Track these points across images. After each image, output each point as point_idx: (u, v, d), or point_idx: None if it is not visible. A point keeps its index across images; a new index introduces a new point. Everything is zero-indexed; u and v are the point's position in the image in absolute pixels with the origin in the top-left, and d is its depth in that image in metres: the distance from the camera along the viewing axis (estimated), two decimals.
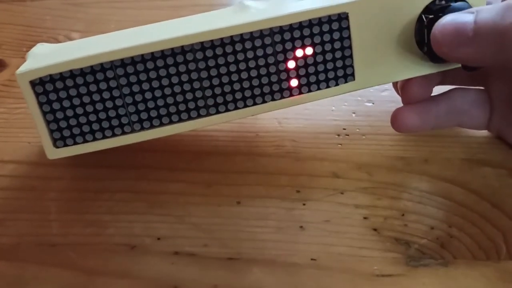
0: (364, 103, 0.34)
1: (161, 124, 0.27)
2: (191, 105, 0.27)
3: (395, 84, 0.31)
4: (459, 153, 0.31)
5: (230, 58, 0.26)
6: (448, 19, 0.25)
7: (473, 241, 0.26)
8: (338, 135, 0.32)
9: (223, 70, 0.26)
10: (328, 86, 0.27)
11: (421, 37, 0.26)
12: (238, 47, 0.26)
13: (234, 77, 0.26)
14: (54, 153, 0.27)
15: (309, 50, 0.26)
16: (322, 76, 0.27)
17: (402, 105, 0.29)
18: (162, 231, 0.27)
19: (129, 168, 0.30)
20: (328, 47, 0.26)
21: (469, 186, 0.29)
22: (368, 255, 0.26)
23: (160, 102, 0.26)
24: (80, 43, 0.30)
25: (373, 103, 0.34)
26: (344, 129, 0.32)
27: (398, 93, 0.31)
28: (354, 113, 0.33)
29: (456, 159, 0.30)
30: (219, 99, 0.27)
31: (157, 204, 0.28)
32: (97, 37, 0.30)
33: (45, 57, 0.27)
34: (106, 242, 0.27)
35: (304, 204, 0.28)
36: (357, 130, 0.32)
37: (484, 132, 0.31)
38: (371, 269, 0.26)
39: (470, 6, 0.26)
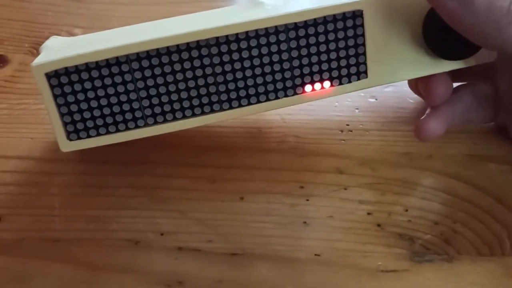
0: (367, 99, 0.34)
1: (175, 119, 0.27)
2: (205, 100, 0.26)
3: (413, 86, 0.31)
4: (463, 149, 0.31)
5: (245, 54, 0.26)
6: None
7: (477, 236, 0.26)
8: (342, 131, 0.32)
9: (237, 65, 0.26)
10: (341, 83, 0.27)
11: (429, 33, 0.26)
12: (253, 43, 0.26)
13: (248, 72, 0.26)
14: (67, 146, 0.27)
15: (323, 47, 0.26)
16: (335, 73, 0.27)
17: (405, 101, 0.29)
18: (165, 226, 0.27)
19: (132, 163, 0.30)
20: (342, 44, 0.26)
21: (473, 181, 0.29)
22: (372, 250, 0.26)
23: (174, 97, 0.26)
24: (94, 36, 0.30)
25: (376, 99, 0.34)
26: (348, 125, 0.32)
27: (418, 95, 0.31)
28: (357, 109, 0.33)
29: (460, 155, 0.30)
30: (233, 94, 0.27)
31: (160, 199, 0.28)
32: (111, 31, 0.30)
33: (60, 50, 0.27)
34: (109, 238, 0.27)
35: (307, 200, 0.28)
36: (361, 126, 0.32)
37: (488, 128, 0.31)
38: (375, 265, 0.26)
39: None
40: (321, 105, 0.33)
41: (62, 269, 0.25)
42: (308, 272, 0.25)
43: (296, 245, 0.26)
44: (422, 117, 0.29)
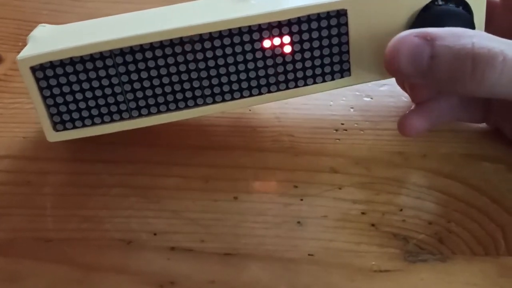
0: (362, 98, 0.34)
1: (159, 112, 0.27)
2: (189, 94, 0.27)
3: (400, 83, 0.31)
4: (458, 148, 0.30)
5: (228, 50, 0.26)
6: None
7: (471, 236, 0.26)
8: (336, 130, 0.32)
9: (220, 61, 0.26)
10: (324, 81, 0.28)
11: None
12: (236, 39, 0.26)
13: (231, 68, 0.26)
14: (54, 136, 0.27)
15: (306, 45, 0.27)
16: (318, 71, 0.27)
17: (400, 100, 0.29)
18: (158, 226, 0.27)
19: (125, 163, 0.30)
20: (325, 42, 0.27)
21: (468, 181, 0.29)
22: (366, 250, 0.26)
23: (158, 91, 0.27)
24: (81, 26, 0.30)
25: (371, 98, 0.34)
26: (342, 124, 0.32)
27: (405, 91, 0.31)
28: (352, 108, 0.33)
29: (454, 154, 0.30)
30: (216, 89, 0.27)
31: (153, 199, 0.28)
32: (97, 20, 0.30)
33: (46, 41, 0.27)
34: (102, 238, 0.27)
35: (301, 200, 0.28)
36: (355, 125, 0.32)
37: (482, 127, 0.31)
38: (369, 265, 0.25)
39: (468, 12, 0.26)
40: (316, 104, 0.33)
41: (55, 269, 0.25)
42: (301, 272, 0.25)
43: (290, 245, 0.26)
44: (406, 113, 0.29)
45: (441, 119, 0.29)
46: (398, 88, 0.33)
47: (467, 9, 0.26)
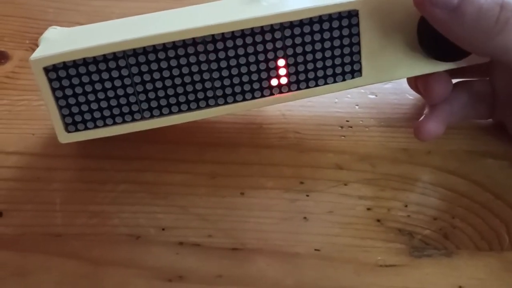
0: (367, 95, 0.34)
1: (170, 113, 0.27)
2: (200, 95, 0.27)
3: (412, 85, 0.31)
4: (462, 145, 0.31)
5: (240, 51, 0.26)
6: None
7: (476, 231, 0.27)
8: (342, 127, 0.32)
9: (232, 62, 0.26)
10: (335, 81, 0.27)
11: (423, 36, 0.26)
12: (248, 40, 0.26)
13: (243, 69, 0.26)
14: (66, 138, 0.27)
15: (318, 45, 0.26)
16: (329, 71, 0.27)
17: (404, 98, 0.29)
18: (166, 221, 0.27)
19: (133, 159, 0.30)
20: (337, 43, 0.27)
21: (472, 177, 0.29)
22: (372, 245, 0.26)
23: (170, 92, 0.27)
24: (93, 28, 0.30)
25: (376, 96, 0.34)
26: (348, 121, 0.32)
27: (418, 93, 0.31)
28: (357, 105, 0.33)
29: (459, 151, 0.30)
30: (228, 90, 0.27)
31: (161, 195, 0.28)
32: (109, 22, 0.30)
33: (58, 43, 0.27)
34: (110, 233, 0.27)
35: (307, 195, 0.28)
36: (361, 122, 0.32)
37: (486, 124, 0.31)
38: (375, 260, 0.26)
39: None
40: (321, 101, 0.33)
41: (63, 264, 0.26)
42: (307, 267, 0.25)
43: (296, 240, 0.27)
44: (421, 118, 0.29)
45: (453, 120, 0.30)
46: (403, 86, 0.33)
47: None
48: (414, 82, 0.31)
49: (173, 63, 0.26)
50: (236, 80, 0.27)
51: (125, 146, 0.30)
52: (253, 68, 0.26)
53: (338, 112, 0.33)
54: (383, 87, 0.34)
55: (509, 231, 0.27)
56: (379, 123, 0.32)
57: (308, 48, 0.26)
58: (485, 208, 0.27)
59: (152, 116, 0.27)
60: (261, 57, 0.26)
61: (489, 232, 0.27)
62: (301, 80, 0.27)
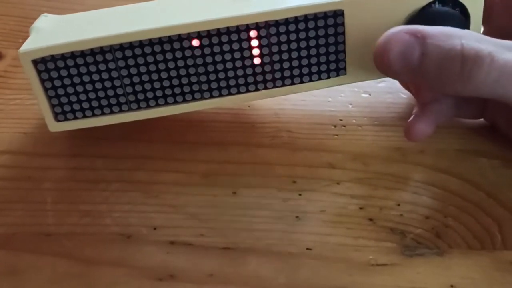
0: (360, 94, 0.34)
1: (157, 105, 0.28)
2: (186, 88, 0.27)
3: (404, 84, 0.32)
4: (454, 144, 0.31)
5: (226, 48, 0.26)
6: None
7: (468, 230, 0.27)
8: (335, 126, 0.32)
9: (218, 58, 0.27)
10: (320, 78, 0.28)
11: None
12: (234, 37, 0.26)
13: (229, 64, 0.27)
14: (55, 126, 0.28)
15: (303, 43, 0.27)
16: (314, 69, 0.28)
17: (398, 97, 0.30)
18: (158, 220, 0.27)
19: (125, 158, 0.30)
20: (322, 41, 0.27)
21: (464, 176, 0.29)
22: (364, 244, 0.26)
23: (157, 85, 0.27)
24: (83, 17, 0.31)
25: (369, 94, 0.34)
26: (341, 120, 0.32)
27: (410, 92, 0.31)
28: (350, 104, 0.33)
29: (451, 150, 0.30)
30: (214, 85, 0.27)
31: (153, 194, 0.28)
32: (99, 11, 0.31)
33: (48, 34, 0.28)
34: (102, 232, 0.27)
35: (300, 195, 0.28)
36: (354, 121, 0.32)
37: (478, 123, 0.31)
38: (367, 259, 0.26)
39: (464, 14, 0.26)
40: (314, 100, 0.33)
41: (55, 263, 0.25)
42: (300, 266, 0.25)
43: (288, 239, 0.26)
44: (410, 118, 0.29)
45: (443, 119, 0.30)
46: (396, 85, 0.33)
47: (464, 11, 0.27)
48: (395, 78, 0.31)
49: (159, 57, 0.26)
50: (221, 75, 0.27)
51: (117, 145, 0.30)
52: (238, 63, 0.27)
53: (331, 111, 0.33)
54: (377, 86, 0.34)
55: (501, 230, 0.26)
56: (372, 122, 0.32)
57: (293, 46, 0.27)
58: (478, 207, 0.27)
59: (139, 108, 0.28)
60: (246, 53, 0.27)
61: (481, 231, 0.26)
62: (286, 76, 0.28)
